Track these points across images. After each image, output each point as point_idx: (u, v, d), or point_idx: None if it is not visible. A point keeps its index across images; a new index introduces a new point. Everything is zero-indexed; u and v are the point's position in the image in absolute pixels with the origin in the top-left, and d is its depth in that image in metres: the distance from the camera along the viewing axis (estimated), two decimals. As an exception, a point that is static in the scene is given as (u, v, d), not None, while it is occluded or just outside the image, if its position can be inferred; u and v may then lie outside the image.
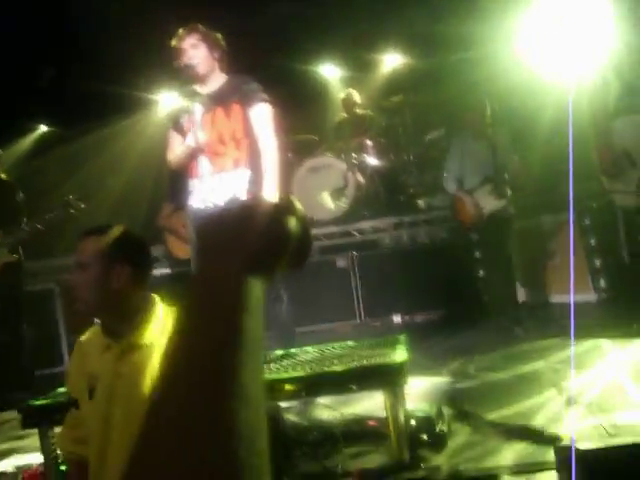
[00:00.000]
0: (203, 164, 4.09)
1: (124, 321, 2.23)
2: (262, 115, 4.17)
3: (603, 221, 6.17)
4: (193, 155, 4.13)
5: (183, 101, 4.20)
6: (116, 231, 2.26)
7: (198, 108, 4.06)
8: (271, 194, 4.06)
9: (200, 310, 0.72)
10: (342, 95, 8.57)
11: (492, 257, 6.19)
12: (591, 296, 6.13)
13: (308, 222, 0.85)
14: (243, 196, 4.06)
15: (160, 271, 7.26)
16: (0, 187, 6.14)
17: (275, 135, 4.20)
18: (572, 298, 5.60)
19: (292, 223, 0.81)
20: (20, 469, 3.75)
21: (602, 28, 4.92)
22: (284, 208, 0.83)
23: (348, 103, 8.42)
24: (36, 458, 3.61)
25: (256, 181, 4.10)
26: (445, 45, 8.28)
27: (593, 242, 6.27)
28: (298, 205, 0.84)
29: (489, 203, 5.85)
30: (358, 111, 8.34)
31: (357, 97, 8.47)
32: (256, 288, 0.75)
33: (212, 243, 0.79)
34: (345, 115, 8.44)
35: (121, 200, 8.90)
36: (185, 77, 4.11)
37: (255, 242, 0.76)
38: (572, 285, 5.49)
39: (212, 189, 4.06)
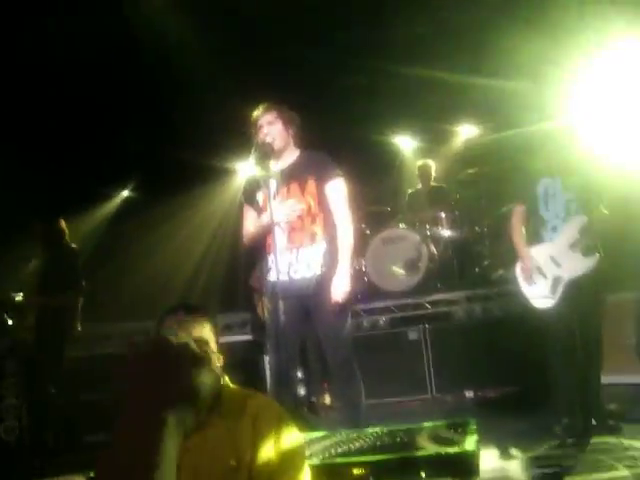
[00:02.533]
0: (279, 239, 4.14)
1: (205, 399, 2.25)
2: (337, 190, 4.27)
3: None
4: (268, 230, 4.20)
5: (258, 177, 4.31)
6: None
7: (273, 184, 4.14)
8: (345, 271, 4.15)
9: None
10: (419, 164, 8.60)
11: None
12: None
13: (217, 374, 1.11)
14: (318, 270, 4.15)
15: (240, 338, 7.27)
16: (65, 253, 6.57)
17: (349, 210, 4.29)
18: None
19: (204, 374, 1.06)
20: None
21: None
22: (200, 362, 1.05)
23: (424, 173, 8.46)
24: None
25: (331, 253, 4.19)
26: (520, 117, 8.27)
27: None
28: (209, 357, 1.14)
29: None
30: (433, 183, 8.37)
31: (433, 169, 8.51)
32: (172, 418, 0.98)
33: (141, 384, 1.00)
34: (420, 186, 8.48)
35: (200, 266, 9.09)
36: (261, 153, 4.21)
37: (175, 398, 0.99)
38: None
39: (289, 263, 4.10)
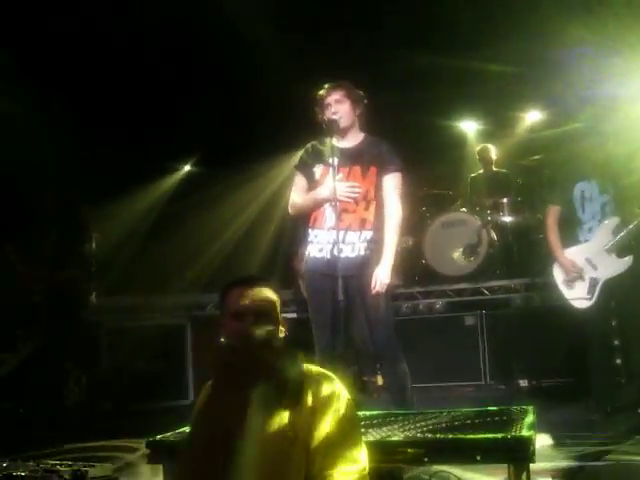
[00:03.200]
0: (330, 216, 4.16)
1: (260, 373, 2.29)
2: (395, 183, 4.32)
3: None
4: (321, 204, 4.22)
5: (322, 148, 4.30)
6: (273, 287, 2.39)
7: (335, 161, 4.14)
8: (389, 264, 4.20)
9: None
10: (478, 148, 8.50)
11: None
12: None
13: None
14: (363, 252, 4.19)
15: (287, 315, 7.36)
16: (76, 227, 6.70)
17: (401, 204, 4.34)
18: None
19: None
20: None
21: None
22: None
23: (484, 157, 8.36)
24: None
25: (377, 242, 4.23)
26: (585, 105, 8.10)
27: None
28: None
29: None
30: (494, 168, 8.26)
31: (494, 152, 8.39)
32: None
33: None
34: (481, 171, 8.38)
35: (258, 242, 9.18)
36: (327, 130, 4.21)
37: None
38: None
39: (334, 243, 4.10)
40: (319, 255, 4.22)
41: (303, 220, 4.50)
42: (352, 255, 4.18)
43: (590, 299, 5.06)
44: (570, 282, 5.15)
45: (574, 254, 5.13)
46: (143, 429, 4.71)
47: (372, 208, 4.24)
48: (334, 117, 4.23)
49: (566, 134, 8.03)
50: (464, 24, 7.76)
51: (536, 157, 8.06)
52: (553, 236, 5.26)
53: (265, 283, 2.37)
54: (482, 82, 8.50)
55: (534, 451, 2.73)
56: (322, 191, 4.21)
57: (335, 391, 2.27)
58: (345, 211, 4.19)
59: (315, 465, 2.16)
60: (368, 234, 4.23)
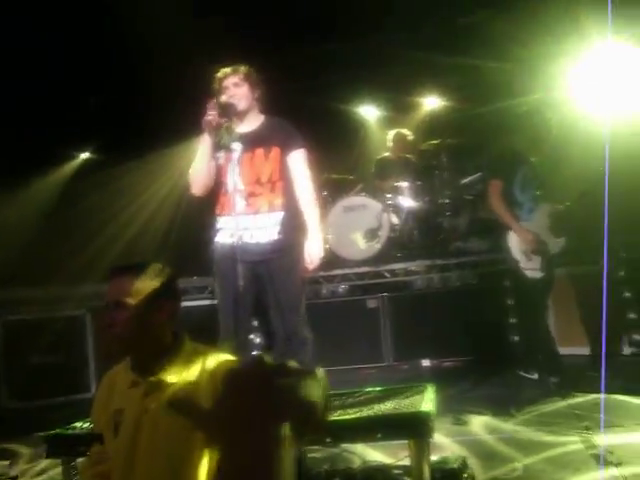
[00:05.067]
0: (237, 202, 4.11)
1: (155, 359, 2.25)
2: (300, 160, 4.29)
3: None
4: (224, 191, 4.18)
5: (221, 138, 4.24)
6: (156, 271, 2.29)
7: (237, 146, 4.09)
8: (318, 238, 4.25)
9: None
10: (394, 133, 8.49)
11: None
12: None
13: (328, 389, 1.01)
14: (275, 235, 4.14)
15: (200, 302, 7.27)
16: None
17: (311, 180, 4.32)
18: (604, 351, 5.50)
19: (316, 392, 0.96)
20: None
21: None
22: (309, 379, 0.97)
23: (399, 143, 8.35)
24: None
25: (289, 222, 4.20)
26: (483, 91, 8.30)
27: (628, 295, 6.21)
28: (321, 373, 1.01)
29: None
30: (402, 154, 8.32)
31: (409, 138, 8.44)
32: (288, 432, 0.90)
33: (239, 411, 0.91)
34: (386, 155, 8.42)
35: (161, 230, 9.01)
36: (224, 114, 4.14)
37: (281, 419, 0.89)
38: (604, 338, 5.38)
39: (245, 228, 4.07)
40: (228, 241, 4.15)
41: (212, 206, 4.44)
42: (263, 240, 4.15)
43: (543, 271, 5.36)
44: (529, 253, 5.36)
45: (528, 228, 5.40)
46: (42, 424, 4.58)
47: (279, 189, 4.21)
48: (231, 101, 4.18)
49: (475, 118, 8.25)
50: (366, 8, 7.79)
51: (436, 141, 8.19)
52: (504, 208, 5.42)
53: (130, 272, 2.30)
54: (382, 67, 8.59)
55: (433, 427, 2.78)
56: (227, 181, 4.15)
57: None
58: (252, 195, 4.16)
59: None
60: (279, 215, 4.19)
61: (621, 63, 5.77)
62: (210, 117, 4.04)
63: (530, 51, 7.43)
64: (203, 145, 4.16)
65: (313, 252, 4.21)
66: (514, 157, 5.49)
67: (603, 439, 3.94)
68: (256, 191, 4.17)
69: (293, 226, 4.22)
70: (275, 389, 0.91)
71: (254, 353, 4.37)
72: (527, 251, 5.36)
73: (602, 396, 4.62)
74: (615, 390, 4.81)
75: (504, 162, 5.62)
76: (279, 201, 4.20)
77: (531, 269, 5.37)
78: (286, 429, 0.88)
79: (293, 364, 0.99)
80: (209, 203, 4.40)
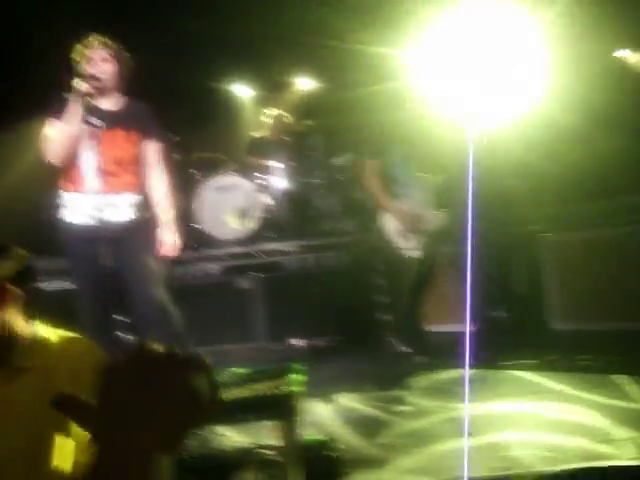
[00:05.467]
0: (92, 180, 3.97)
1: (6, 345, 2.11)
2: (157, 151, 4.29)
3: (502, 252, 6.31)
4: (77, 167, 4.02)
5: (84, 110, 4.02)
6: (6, 253, 2.15)
7: (98, 123, 3.93)
8: (173, 225, 4.29)
9: None
10: (274, 114, 8.37)
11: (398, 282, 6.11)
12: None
13: (217, 382, 0.78)
14: (129, 216, 4.08)
15: (58, 285, 6.98)
16: None
17: (166, 173, 4.35)
18: (468, 327, 5.68)
19: (204, 385, 0.75)
20: None
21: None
22: (199, 368, 0.77)
23: (278, 124, 8.24)
24: None
25: (144, 205, 4.20)
26: (358, 73, 8.37)
27: (493, 272, 6.42)
28: (208, 362, 0.79)
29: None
30: (278, 135, 8.22)
31: (287, 120, 8.35)
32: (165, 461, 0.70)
33: (117, 410, 0.73)
34: (262, 134, 8.32)
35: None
36: (87, 87, 3.94)
37: (168, 418, 0.71)
38: (469, 313, 5.51)
39: (97, 208, 3.94)
40: (81, 221, 4.01)
41: (58, 182, 4.24)
42: (120, 219, 4.06)
43: (421, 250, 5.32)
44: (406, 233, 5.30)
45: (404, 207, 5.33)
46: None
47: (136, 173, 4.18)
48: (97, 75, 3.99)
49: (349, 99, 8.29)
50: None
51: (308, 121, 8.19)
52: (379, 189, 5.36)
53: None
54: (256, 47, 8.50)
55: (298, 407, 2.77)
56: (84, 156, 3.98)
57: (98, 357, 2.15)
58: (109, 174, 4.04)
59: (82, 445, 2.04)
60: (134, 198, 4.15)
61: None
62: (81, 86, 3.86)
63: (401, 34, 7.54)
64: (69, 114, 3.93)
65: (166, 241, 4.22)
66: (389, 135, 5.43)
67: (464, 411, 4.09)
68: (114, 171, 4.06)
69: (148, 209, 4.22)
70: (175, 383, 0.73)
71: (119, 335, 4.23)
72: (403, 231, 5.32)
73: (467, 371, 4.77)
74: (480, 365, 4.98)
75: (378, 141, 5.54)
76: (136, 184, 4.16)
77: (408, 248, 5.34)
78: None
79: (180, 351, 0.80)
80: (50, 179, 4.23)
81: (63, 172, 4.10)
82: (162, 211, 4.26)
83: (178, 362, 0.74)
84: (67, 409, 0.80)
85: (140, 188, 4.19)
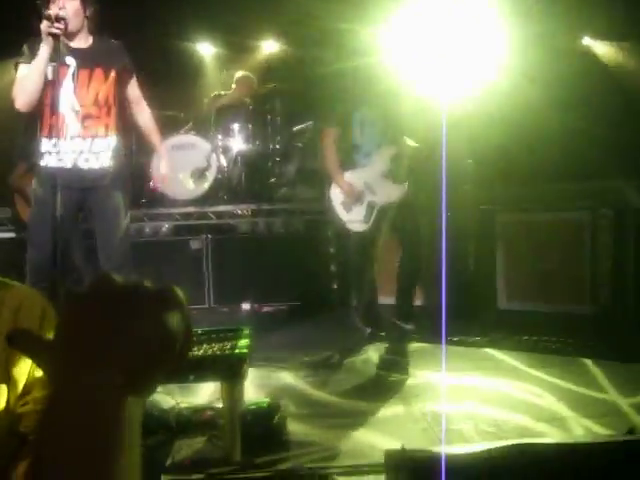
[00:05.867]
0: (71, 124, 3.88)
1: None
2: (137, 85, 4.28)
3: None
4: (54, 111, 3.88)
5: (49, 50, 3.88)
6: None
7: (71, 62, 3.83)
8: (166, 163, 4.56)
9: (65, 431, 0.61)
10: (241, 75, 8.14)
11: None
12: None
13: (190, 316, 0.71)
14: (107, 163, 4.02)
15: (3, 235, 6.87)
16: None
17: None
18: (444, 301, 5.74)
19: (176, 320, 0.68)
20: None
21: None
22: (170, 304, 0.69)
23: (244, 87, 8.05)
24: None
25: (120, 150, 4.13)
26: (322, 39, 8.31)
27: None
28: (182, 296, 0.72)
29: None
30: (242, 97, 8.06)
31: (255, 84, 8.17)
32: (134, 405, 0.63)
33: (81, 343, 0.65)
34: (224, 94, 8.14)
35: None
36: (54, 28, 3.79)
37: (137, 354, 0.64)
38: (444, 290, 5.49)
39: (80, 152, 3.87)
40: (58, 165, 3.90)
41: (32, 129, 4.14)
42: (96, 166, 3.99)
43: (367, 222, 5.03)
44: (348, 205, 5.08)
45: (353, 178, 5.07)
46: None
47: (113, 113, 4.06)
48: (61, 14, 3.81)
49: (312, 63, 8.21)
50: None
51: (271, 85, 8.10)
52: (331, 158, 5.15)
53: None
54: (221, 6, 8.36)
55: (246, 369, 2.77)
56: (58, 96, 3.83)
57: (41, 306, 2.10)
58: (89, 118, 3.95)
59: (15, 391, 2.00)
60: (113, 140, 4.07)
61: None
62: (48, 28, 3.73)
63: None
64: (40, 57, 3.81)
65: (163, 170, 4.43)
66: (345, 102, 5.18)
67: (411, 380, 4.18)
68: (93, 113, 3.97)
69: (123, 153, 4.18)
70: (143, 316, 0.66)
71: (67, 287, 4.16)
72: (346, 202, 5.10)
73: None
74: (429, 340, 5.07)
75: (337, 107, 5.27)
76: (114, 125, 4.06)
77: (352, 221, 5.11)
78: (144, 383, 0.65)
79: (148, 282, 0.71)
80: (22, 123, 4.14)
81: (40, 117, 3.97)
82: (155, 141, 4.42)
83: (148, 294, 0.69)
84: (22, 344, 0.73)
85: (119, 130, 4.11)
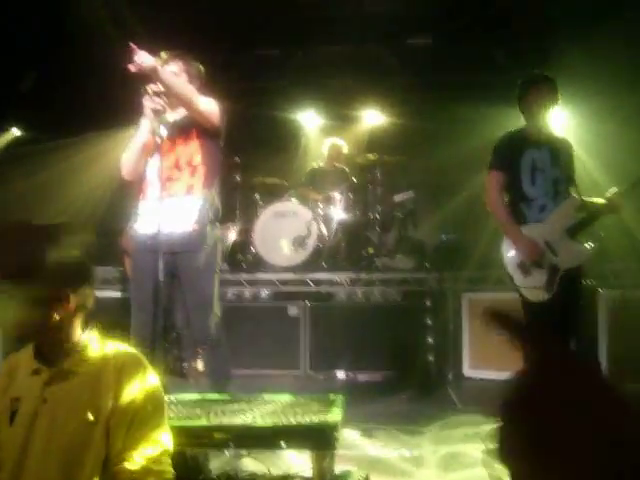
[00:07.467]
0: (154, 187, 3.98)
1: (60, 348, 2.16)
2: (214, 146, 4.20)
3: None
4: (145, 177, 4.07)
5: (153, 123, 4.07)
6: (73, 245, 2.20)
7: (164, 132, 4.00)
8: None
9: None
10: (330, 143, 8.43)
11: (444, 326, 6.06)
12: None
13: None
14: (190, 227, 3.99)
15: (110, 294, 7.12)
16: None
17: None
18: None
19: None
20: None
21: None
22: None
23: (333, 153, 8.33)
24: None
25: (206, 213, 4.05)
26: (424, 111, 8.42)
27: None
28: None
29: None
30: (337, 164, 8.30)
31: (345, 149, 8.41)
32: None
33: None
34: (322, 164, 8.39)
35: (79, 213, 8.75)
36: (159, 102, 3.99)
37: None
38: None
39: (159, 213, 3.95)
40: (145, 230, 3.98)
41: (134, 193, 4.32)
42: (179, 230, 3.94)
43: (550, 290, 4.15)
44: (528, 267, 4.21)
45: (530, 234, 4.22)
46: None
47: (200, 174, 4.04)
48: (160, 89, 3.91)
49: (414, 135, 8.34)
50: (317, 17, 7.84)
51: (371, 156, 8.23)
52: (502, 208, 4.31)
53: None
54: (327, 77, 8.62)
55: (338, 439, 2.77)
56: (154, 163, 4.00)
57: (140, 371, 2.20)
58: (169, 179, 3.98)
59: (115, 446, 2.08)
60: (197, 201, 4.01)
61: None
62: (155, 105, 3.89)
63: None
64: (141, 130, 4.03)
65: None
66: (510, 142, 4.37)
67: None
68: (174, 175, 4.02)
69: (210, 217, 4.07)
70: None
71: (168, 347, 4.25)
72: (525, 265, 4.21)
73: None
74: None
75: (503, 146, 4.40)
76: (198, 186, 4.03)
77: (534, 287, 4.18)
78: None
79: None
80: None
81: (137, 183, 4.15)
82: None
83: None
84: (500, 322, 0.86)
85: (205, 192, 4.05)
